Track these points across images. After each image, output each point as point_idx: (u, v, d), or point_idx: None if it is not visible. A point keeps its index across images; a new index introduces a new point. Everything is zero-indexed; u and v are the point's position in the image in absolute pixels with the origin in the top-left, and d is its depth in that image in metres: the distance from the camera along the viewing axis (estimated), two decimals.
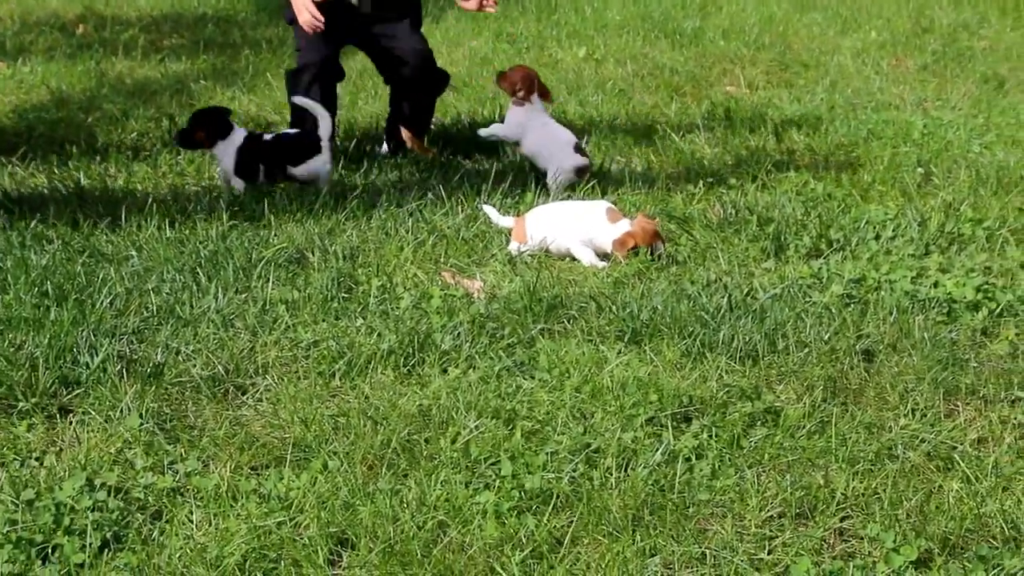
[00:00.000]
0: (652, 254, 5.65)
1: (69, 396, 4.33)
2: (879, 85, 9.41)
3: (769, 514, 3.68)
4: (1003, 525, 3.61)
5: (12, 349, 4.51)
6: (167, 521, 3.65)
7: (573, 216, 5.86)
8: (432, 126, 7.75)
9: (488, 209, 6.13)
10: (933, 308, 5.08)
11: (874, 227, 6.02)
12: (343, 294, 5.22)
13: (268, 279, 5.33)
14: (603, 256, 5.79)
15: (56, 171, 6.94)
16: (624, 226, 5.72)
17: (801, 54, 10.56)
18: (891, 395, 4.39)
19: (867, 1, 12.79)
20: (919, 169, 7.04)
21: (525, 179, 6.77)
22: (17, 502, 3.66)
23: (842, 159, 7.42)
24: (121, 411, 4.23)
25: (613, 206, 5.91)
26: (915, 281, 5.31)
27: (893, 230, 5.96)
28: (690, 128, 8.08)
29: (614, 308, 5.02)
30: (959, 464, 3.95)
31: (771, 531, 3.61)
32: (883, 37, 11.20)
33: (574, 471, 3.87)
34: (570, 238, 5.79)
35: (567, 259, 5.80)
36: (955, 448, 4.05)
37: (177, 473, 3.89)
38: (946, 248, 5.82)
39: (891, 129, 8.02)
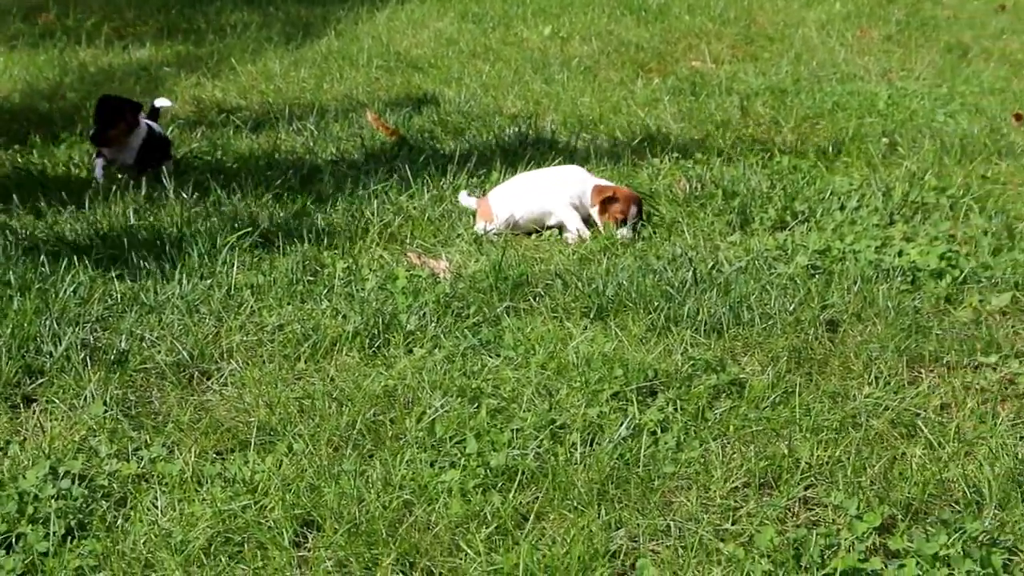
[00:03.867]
0: (628, 222, 5.68)
1: (32, 385, 4.32)
2: (844, 56, 9.42)
3: (734, 485, 3.69)
4: (965, 489, 3.63)
5: None
6: (132, 508, 3.64)
7: (555, 181, 5.88)
8: None
9: (462, 195, 6.13)
10: (897, 277, 5.10)
11: (839, 198, 6.03)
12: (308, 277, 5.21)
13: (233, 264, 5.32)
14: (587, 222, 5.81)
15: (20, 159, 6.90)
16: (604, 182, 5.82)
17: (766, 27, 10.56)
18: (855, 364, 4.40)
19: None
20: (884, 140, 7.05)
21: (490, 159, 6.75)
22: None
23: (807, 131, 7.43)
24: (85, 399, 4.22)
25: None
26: (879, 251, 5.33)
27: (858, 200, 5.97)
28: (656, 103, 8.08)
29: (580, 284, 5.02)
30: (922, 430, 3.97)
31: (736, 501, 3.62)
32: (848, 8, 11.22)
33: (539, 447, 3.87)
34: (558, 203, 5.81)
35: (533, 235, 5.80)
36: (918, 415, 4.07)
37: (142, 460, 3.87)
38: (910, 217, 5.83)
39: (856, 100, 8.03)
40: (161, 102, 7.21)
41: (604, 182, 5.94)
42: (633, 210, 5.75)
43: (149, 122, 6.77)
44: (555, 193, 5.86)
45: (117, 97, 6.75)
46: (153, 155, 6.69)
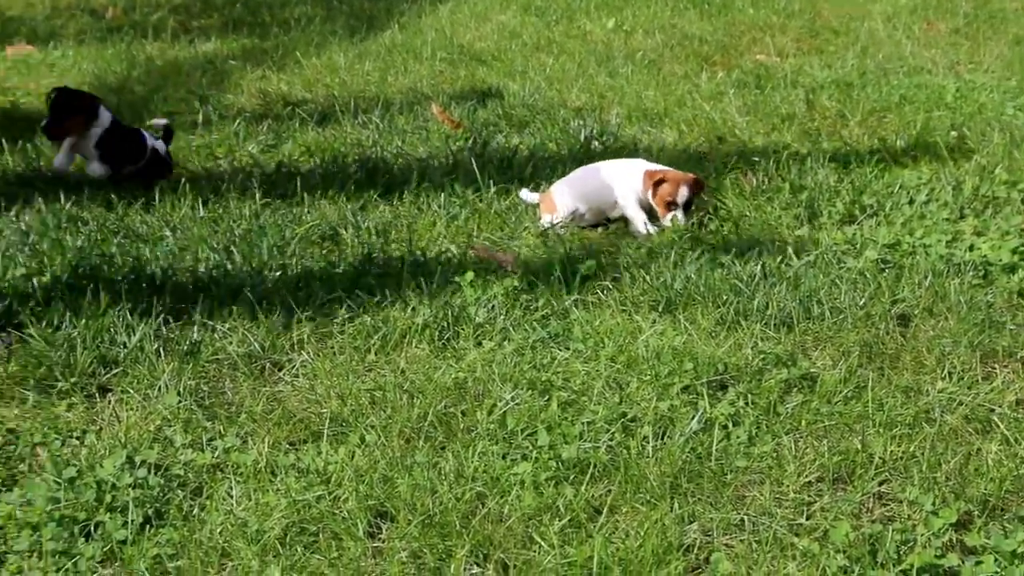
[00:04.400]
0: (678, 205, 5.67)
1: (107, 375, 4.36)
2: (910, 49, 9.34)
3: (807, 479, 3.67)
4: None
5: (50, 330, 4.53)
6: (207, 497, 3.67)
7: (619, 173, 5.88)
8: None
9: (523, 192, 6.13)
10: (969, 271, 5.05)
11: (908, 192, 5.99)
12: (376, 269, 5.23)
13: (302, 256, 5.35)
14: (651, 217, 5.81)
15: None
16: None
17: (831, 20, 10.49)
18: (927, 359, 4.37)
19: None
20: (952, 133, 7.00)
21: (555, 152, 6.75)
22: (59, 481, 3.68)
23: (874, 125, 7.37)
24: (159, 389, 4.26)
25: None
26: (950, 245, 5.29)
27: (927, 194, 5.93)
28: (721, 97, 8.05)
29: (648, 278, 5.02)
30: (998, 426, 3.93)
31: (809, 496, 3.61)
32: (914, 1, 11.12)
33: (611, 440, 3.87)
34: (621, 196, 5.81)
35: (599, 228, 5.80)
36: (993, 410, 4.04)
37: (216, 449, 3.91)
38: (981, 211, 5.78)
39: (923, 93, 7.96)
40: (159, 121, 7.11)
41: (656, 166, 5.92)
42: (683, 191, 5.72)
43: (156, 142, 6.68)
44: (618, 185, 5.86)
45: (72, 89, 6.70)
46: (123, 154, 6.55)
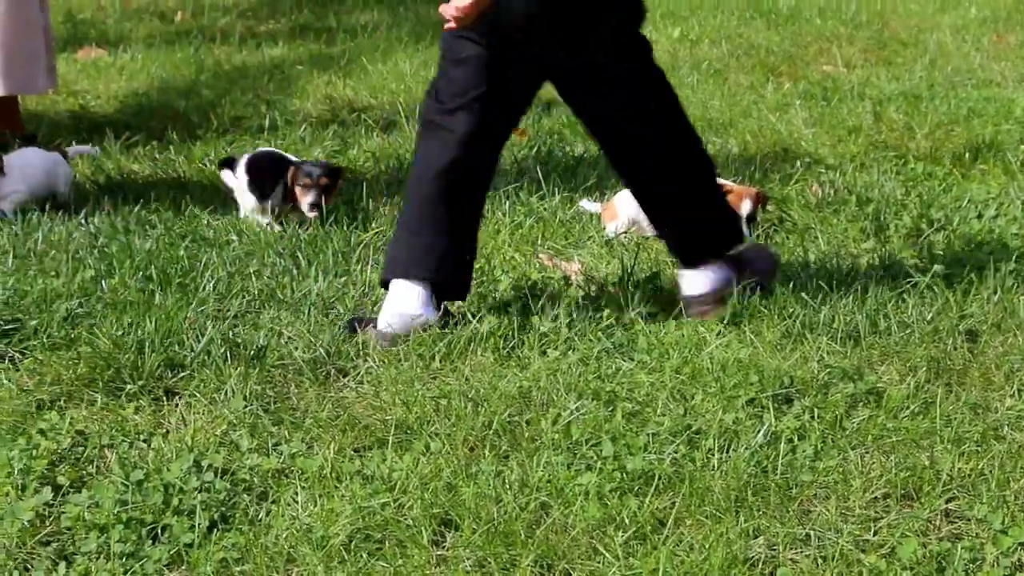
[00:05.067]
0: (750, 218, 5.67)
1: (174, 379, 4.40)
2: (979, 62, 9.27)
3: (874, 495, 3.64)
4: None
5: (119, 332, 4.58)
6: (273, 502, 3.69)
7: None
8: None
9: (584, 202, 6.13)
10: None
11: (976, 206, 5.94)
12: None
13: (367, 262, 5.38)
14: None
15: (157, 157, 7.04)
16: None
17: (899, 32, 10.43)
18: (996, 375, 4.33)
19: None
20: (1022, 147, 6.93)
21: None
22: (127, 483, 3.71)
23: (942, 137, 7.32)
24: (225, 393, 4.29)
25: None
26: (1019, 260, 5.23)
27: (996, 209, 5.88)
28: (787, 108, 8.02)
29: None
30: None
31: (876, 512, 3.58)
32: (984, 13, 11.04)
33: (675, 452, 3.86)
34: None
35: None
36: None
37: (282, 454, 3.92)
38: None
39: (992, 107, 7.90)
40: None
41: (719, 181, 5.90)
42: (747, 205, 5.70)
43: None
44: None
45: None
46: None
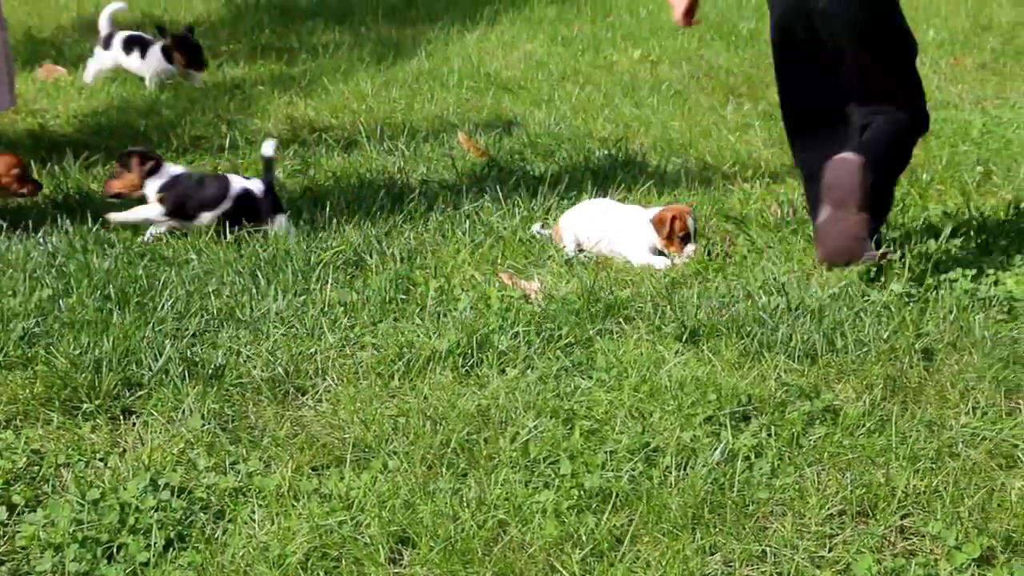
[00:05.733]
0: (686, 239, 5.74)
1: (132, 398, 4.38)
2: (937, 84, 9.33)
3: (829, 512, 3.66)
4: None
5: (76, 352, 4.56)
6: (230, 520, 3.68)
7: (626, 224, 5.86)
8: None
9: (535, 227, 6.13)
10: (993, 306, 5.04)
11: (933, 226, 5.98)
12: (401, 296, 5.25)
13: (327, 281, 5.37)
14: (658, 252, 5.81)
15: None
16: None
17: None
18: (951, 393, 4.36)
19: (925, 0, 12.70)
20: (978, 168, 6.99)
21: (580, 181, 6.76)
22: (83, 502, 3.70)
23: None
24: (183, 412, 4.28)
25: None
26: (975, 279, 5.27)
27: (952, 229, 5.91)
28: (747, 128, 8.06)
29: (671, 308, 5.02)
30: (1021, 461, 3.92)
31: (832, 529, 3.60)
32: (941, 36, 11.12)
33: (633, 470, 3.87)
34: (623, 245, 5.80)
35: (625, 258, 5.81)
36: (1017, 446, 4.02)
37: (239, 473, 3.92)
38: (1006, 247, 5.76)
39: (950, 128, 7.96)
40: None
41: (652, 210, 5.90)
42: (690, 222, 5.77)
43: None
44: (623, 235, 5.83)
45: None
46: None
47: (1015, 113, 8.40)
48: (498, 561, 3.43)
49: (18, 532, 3.59)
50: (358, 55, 10.55)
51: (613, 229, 5.85)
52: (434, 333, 4.83)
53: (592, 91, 9.25)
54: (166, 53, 9.40)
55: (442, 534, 3.53)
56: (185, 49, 9.41)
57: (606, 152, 7.37)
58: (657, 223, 5.76)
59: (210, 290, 5.24)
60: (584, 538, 3.52)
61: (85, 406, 4.30)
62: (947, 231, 5.85)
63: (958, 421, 4.18)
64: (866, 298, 5.11)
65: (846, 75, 5.25)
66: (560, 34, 11.47)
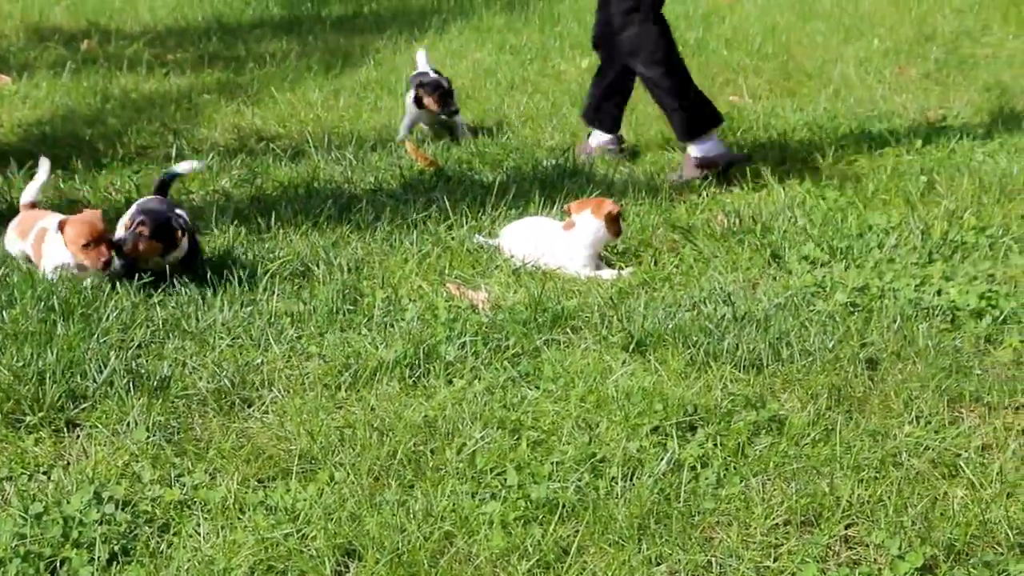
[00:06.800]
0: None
1: (76, 410, 4.35)
2: (882, 94, 9.41)
3: (774, 522, 3.69)
4: (1008, 531, 3.61)
5: (19, 364, 4.52)
6: (175, 534, 3.66)
7: (564, 239, 5.86)
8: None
9: (478, 237, 6.12)
10: (937, 316, 5.09)
11: (877, 235, 6.03)
12: (348, 306, 5.23)
13: (273, 292, 5.35)
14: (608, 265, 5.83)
15: (62, 185, 6.96)
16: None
17: (804, 63, 10.56)
18: (895, 403, 4.39)
19: (870, 10, 12.80)
20: (922, 178, 7.04)
21: (528, 191, 6.77)
22: (25, 516, 3.67)
23: (845, 168, 7.43)
24: (128, 424, 4.25)
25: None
26: (919, 289, 5.32)
27: (896, 238, 5.97)
28: None
29: (618, 318, 5.03)
30: (964, 471, 3.95)
31: (777, 539, 3.62)
32: (886, 45, 11.21)
33: (580, 481, 3.88)
34: (576, 257, 5.80)
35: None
36: (959, 455, 4.05)
37: (184, 486, 3.90)
38: (949, 256, 5.82)
39: (894, 138, 8.03)
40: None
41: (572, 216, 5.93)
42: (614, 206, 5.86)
43: None
44: (565, 249, 5.83)
45: None
46: None
47: (958, 123, 8.47)
48: (444, 573, 3.43)
49: None
50: (306, 64, 10.52)
51: (553, 244, 5.83)
52: (381, 343, 4.82)
53: (540, 100, 9.27)
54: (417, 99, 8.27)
55: (388, 546, 3.53)
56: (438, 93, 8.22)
57: (553, 162, 7.38)
58: (595, 212, 5.78)
59: (155, 301, 5.21)
60: (530, 549, 3.53)
61: (28, 418, 4.26)
62: (891, 240, 5.90)
63: (902, 430, 4.22)
64: (811, 308, 5.14)
65: None
66: (509, 43, 11.48)
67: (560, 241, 5.80)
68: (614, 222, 5.81)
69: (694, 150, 7.22)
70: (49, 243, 5.48)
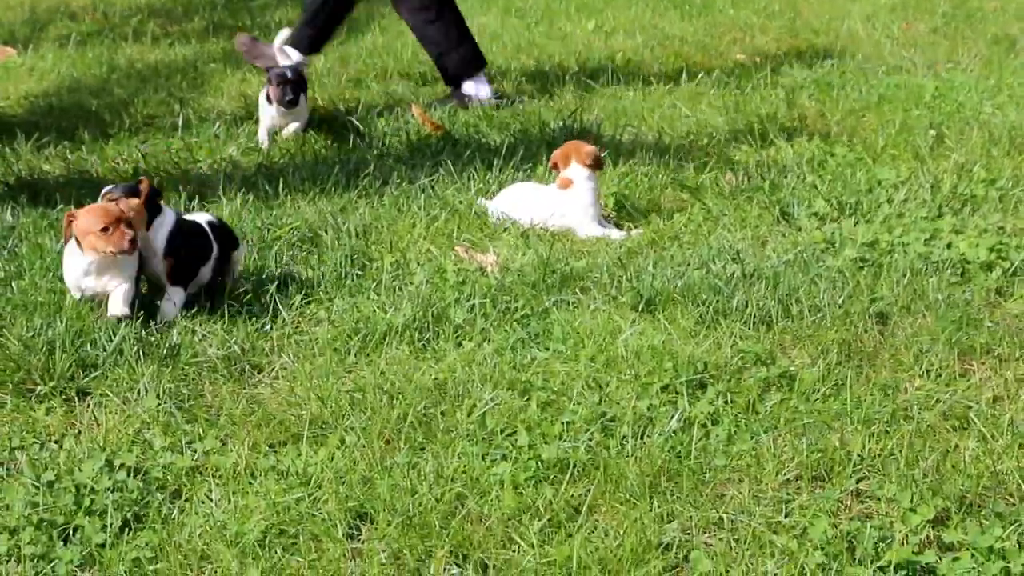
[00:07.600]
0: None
1: (86, 379, 4.35)
2: (889, 49, 9.37)
3: (786, 477, 3.68)
4: (1020, 482, 3.61)
5: (29, 334, 4.52)
6: (186, 500, 3.67)
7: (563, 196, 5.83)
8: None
9: (482, 201, 6.09)
10: (947, 269, 5.08)
11: (886, 190, 6.01)
12: (357, 271, 5.23)
13: (282, 258, 5.35)
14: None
15: (69, 156, 6.96)
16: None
17: (811, 20, 10.52)
18: (906, 356, 4.39)
19: None
20: (931, 132, 7.01)
21: (535, 153, 6.75)
22: (38, 484, 3.68)
23: (854, 124, 7.40)
24: (138, 392, 4.25)
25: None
26: (928, 243, 5.30)
27: (906, 193, 5.95)
28: (701, 97, 8.07)
29: (627, 278, 5.03)
30: (975, 423, 3.94)
31: (788, 494, 3.62)
32: (893, 1, 11.15)
33: (590, 440, 3.88)
34: (579, 214, 5.77)
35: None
36: (970, 407, 4.05)
37: (195, 452, 3.90)
38: (959, 209, 5.80)
39: (902, 93, 8.00)
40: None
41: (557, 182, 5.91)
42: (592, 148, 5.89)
43: None
44: (566, 207, 5.81)
45: None
46: None
47: (966, 76, 8.43)
48: (456, 534, 3.43)
49: None
50: None
51: (555, 209, 5.80)
52: (390, 308, 4.82)
53: (546, 62, 9.23)
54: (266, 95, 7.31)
55: (400, 508, 3.53)
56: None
57: (560, 124, 7.36)
58: (579, 155, 5.77)
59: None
60: (542, 509, 3.53)
61: (39, 388, 4.27)
62: (900, 195, 5.89)
63: (912, 384, 4.21)
64: (821, 264, 5.13)
65: None
66: (514, 6, 11.44)
67: (562, 205, 5.76)
68: (598, 163, 5.82)
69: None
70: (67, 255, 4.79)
